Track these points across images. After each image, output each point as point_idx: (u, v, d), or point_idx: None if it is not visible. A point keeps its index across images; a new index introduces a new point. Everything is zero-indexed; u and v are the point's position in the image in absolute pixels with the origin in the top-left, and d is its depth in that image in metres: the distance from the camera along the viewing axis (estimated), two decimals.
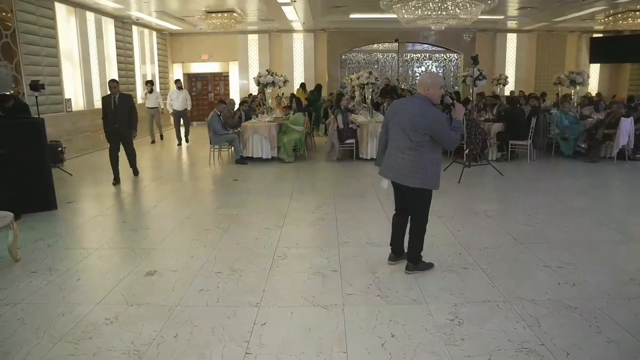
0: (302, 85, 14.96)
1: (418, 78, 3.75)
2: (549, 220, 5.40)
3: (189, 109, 12.43)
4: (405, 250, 4.04)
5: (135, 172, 8.07)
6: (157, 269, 4.08)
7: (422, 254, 3.97)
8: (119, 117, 7.33)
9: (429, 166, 3.69)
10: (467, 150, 8.21)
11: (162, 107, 12.67)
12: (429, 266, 3.97)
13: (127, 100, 7.57)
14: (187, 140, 12.61)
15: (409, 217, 3.97)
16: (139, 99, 13.74)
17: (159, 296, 3.57)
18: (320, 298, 3.50)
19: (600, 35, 16.98)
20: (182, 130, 12.47)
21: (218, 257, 4.34)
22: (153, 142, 12.66)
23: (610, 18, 12.92)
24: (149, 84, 12.49)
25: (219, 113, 9.40)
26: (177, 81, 12.52)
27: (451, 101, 4.09)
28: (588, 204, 6.13)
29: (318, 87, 14.88)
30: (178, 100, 12.15)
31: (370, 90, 10.95)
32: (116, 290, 3.68)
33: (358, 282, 3.75)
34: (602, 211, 5.80)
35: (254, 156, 9.40)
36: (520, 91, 15.07)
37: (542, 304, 3.34)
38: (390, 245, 4.13)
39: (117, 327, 3.12)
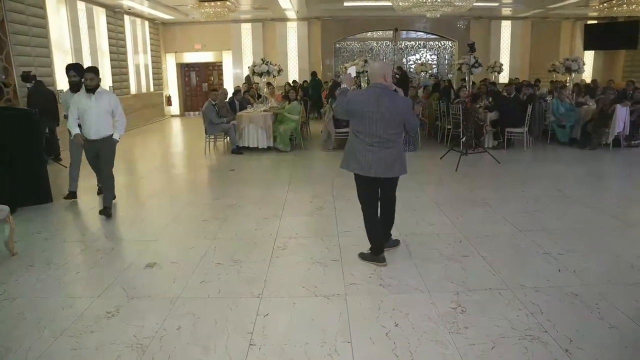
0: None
1: (370, 68, 3.80)
2: (547, 207, 5.41)
3: (116, 137, 5.47)
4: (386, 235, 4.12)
5: None
6: (156, 261, 4.05)
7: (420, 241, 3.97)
8: None
9: (402, 154, 3.83)
10: (464, 138, 8.20)
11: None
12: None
13: None
14: (99, 191, 6.22)
15: (383, 203, 4.00)
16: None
17: (160, 288, 3.55)
18: (322, 288, 3.48)
19: (595, 22, 16.95)
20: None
21: (218, 248, 4.31)
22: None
23: (606, 4, 12.88)
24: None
25: (213, 102, 9.32)
26: (90, 70, 5.32)
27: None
28: (585, 191, 6.15)
29: (314, 74, 15.17)
30: (86, 115, 5.27)
31: (366, 79, 10.88)
32: (116, 283, 3.65)
33: (359, 272, 3.74)
34: (600, 198, 5.83)
35: (250, 146, 9.34)
36: (515, 78, 15.07)
37: (544, 291, 3.35)
38: (380, 246, 3.94)
39: (119, 320, 3.10)
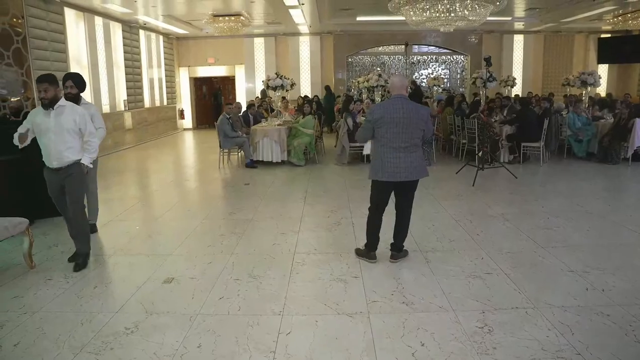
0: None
1: (391, 81, 4.17)
2: (568, 223, 5.30)
3: (85, 161, 4.18)
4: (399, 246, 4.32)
5: None
6: (174, 276, 4.01)
7: (441, 258, 3.91)
8: None
9: (423, 157, 4.20)
10: (480, 153, 8.13)
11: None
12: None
13: None
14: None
15: (402, 210, 4.25)
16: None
17: (179, 304, 3.50)
18: (344, 305, 3.41)
19: (609, 35, 16.86)
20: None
21: (236, 264, 4.27)
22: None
23: (620, 18, 12.82)
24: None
25: (228, 116, 9.35)
26: (43, 79, 3.96)
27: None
28: (606, 207, 6.03)
29: (328, 88, 15.63)
30: (45, 137, 4.12)
31: (380, 93, 10.87)
32: (134, 299, 3.61)
33: (381, 289, 3.67)
34: (622, 214, 5.70)
35: (264, 160, 9.33)
36: (529, 92, 15.00)
37: (572, 310, 3.25)
38: (375, 245, 4.27)
39: (138, 336, 3.05)
